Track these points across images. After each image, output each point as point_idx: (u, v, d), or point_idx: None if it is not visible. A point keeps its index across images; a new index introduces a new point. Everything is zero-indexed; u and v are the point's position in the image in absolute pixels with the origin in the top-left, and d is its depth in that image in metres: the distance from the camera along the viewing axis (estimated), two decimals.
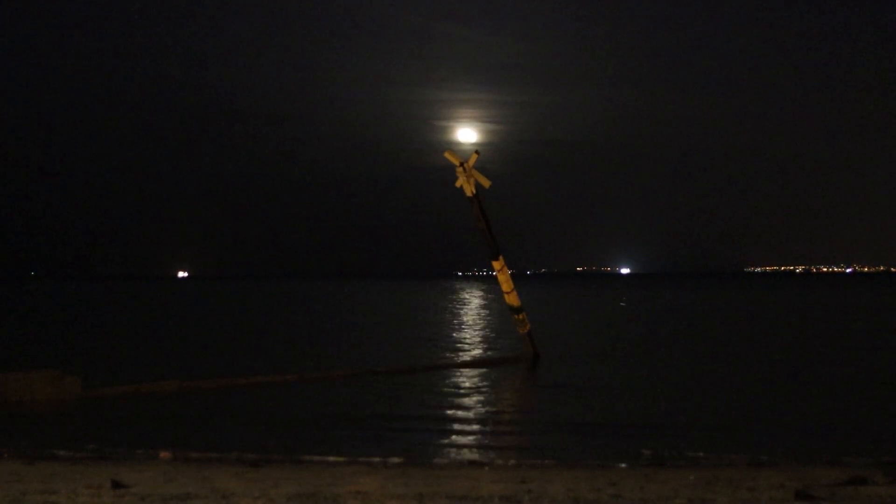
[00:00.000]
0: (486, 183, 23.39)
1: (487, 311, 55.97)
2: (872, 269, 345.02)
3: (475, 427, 14.86)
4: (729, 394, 18.32)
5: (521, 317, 24.25)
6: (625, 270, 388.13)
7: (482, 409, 16.67)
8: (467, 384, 20.16)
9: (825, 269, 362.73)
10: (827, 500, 8.61)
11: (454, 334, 36.39)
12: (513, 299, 24.10)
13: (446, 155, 23.64)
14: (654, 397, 17.97)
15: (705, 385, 19.77)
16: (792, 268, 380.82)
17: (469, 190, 23.39)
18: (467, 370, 22.92)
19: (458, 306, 65.34)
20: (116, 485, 9.45)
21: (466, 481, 9.85)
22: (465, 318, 48.77)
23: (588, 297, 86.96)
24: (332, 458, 11.99)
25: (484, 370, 22.89)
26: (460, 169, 23.31)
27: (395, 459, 11.86)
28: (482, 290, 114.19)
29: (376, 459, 11.83)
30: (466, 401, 17.64)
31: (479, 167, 23.53)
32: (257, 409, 16.79)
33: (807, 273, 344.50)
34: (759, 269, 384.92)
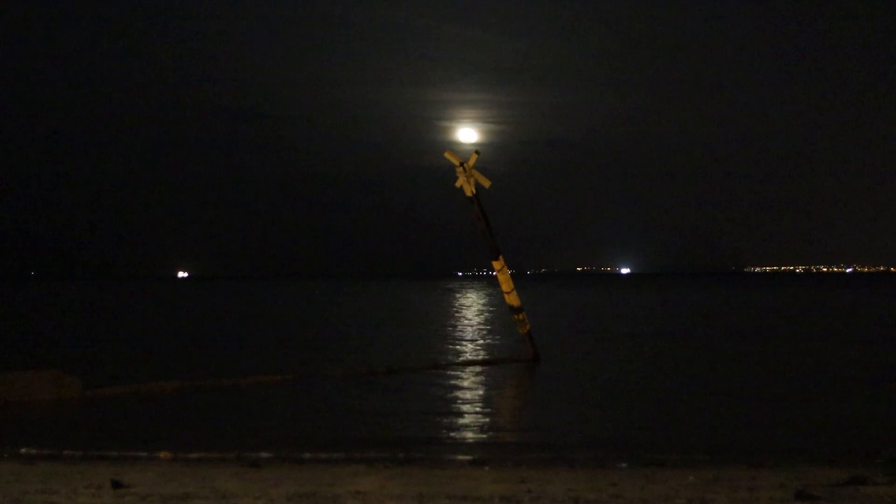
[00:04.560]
0: (486, 183, 23.40)
1: (487, 311, 55.98)
2: (872, 269, 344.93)
3: (475, 427, 14.86)
4: (729, 394, 18.32)
5: (521, 317, 24.24)
6: (625, 270, 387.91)
7: (482, 409, 16.67)
8: (467, 384, 20.17)
9: (825, 269, 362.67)
10: (827, 500, 8.61)
11: (454, 334, 36.40)
12: (513, 299, 24.10)
13: (446, 155, 23.65)
14: (654, 397, 17.97)
15: (705, 385, 19.77)
16: (792, 268, 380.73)
17: (469, 190, 23.39)
18: (467, 370, 22.93)
19: (458, 306, 65.35)
20: (116, 485, 9.45)
21: (466, 481, 9.85)
22: (465, 318, 48.78)
23: (588, 298, 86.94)
24: (332, 458, 11.99)
25: (484, 370, 22.90)
26: (460, 169, 23.31)
27: (395, 459, 11.86)
28: (482, 290, 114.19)
29: (376, 459, 11.83)
30: (466, 401, 17.64)
31: (479, 167, 23.54)
32: (257, 408, 16.80)
33: (807, 273, 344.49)
34: (759, 269, 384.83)
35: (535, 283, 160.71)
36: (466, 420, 15.49)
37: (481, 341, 32.58)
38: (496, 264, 24.15)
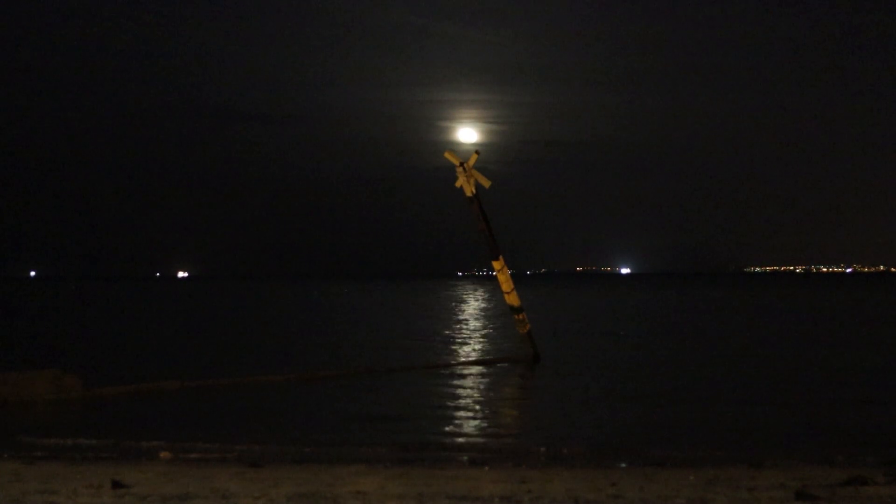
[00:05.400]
0: (486, 183, 23.39)
1: (487, 312, 55.97)
2: (872, 269, 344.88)
3: (475, 427, 14.86)
4: (729, 394, 18.32)
5: (521, 317, 24.24)
6: (625, 270, 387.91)
7: (482, 410, 16.67)
8: (467, 384, 20.16)
9: (825, 269, 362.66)
10: (827, 500, 8.61)
11: (454, 334, 36.38)
12: (513, 299, 24.09)
13: (446, 155, 23.64)
14: (653, 397, 17.97)
15: (705, 385, 19.77)
16: (792, 268, 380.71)
17: (469, 190, 23.39)
18: (467, 370, 22.93)
19: (458, 306, 65.34)
20: (116, 485, 9.45)
21: (466, 481, 9.85)
22: (465, 319, 48.76)
23: (588, 298, 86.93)
24: (332, 458, 11.99)
25: (484, 370, 22.90)
26: (460, 169, 23.31)
27: (395, 459, 11.86)
28: (482, 290, 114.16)
29: (376, 459, 11.82)
30: (466, 401, 17.64)
31: (480, 167, 23.53)
32: (257, 408, 16.79)
33: (807, 273, 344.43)
34: (759, 269, 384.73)
35: (535, 283, 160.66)
36: (466, 420, 15.49)
37: (481, 341, 32.57)
38: (496, 264, 24.15)
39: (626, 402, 17.37)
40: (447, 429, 14.62)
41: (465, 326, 41.58)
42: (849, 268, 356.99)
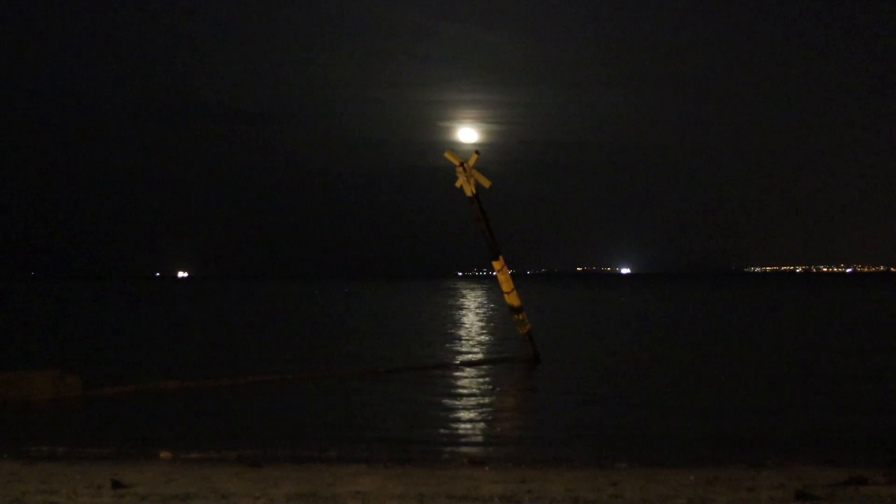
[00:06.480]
0: (485, 183, 23.40)
1: (487, 312, 55.97)
2: (872, 269, 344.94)
3: (475, 427, 14.86)
4: (729, 394, 18.32)
5: (521, 317, 24.24)
6: (625, 270, 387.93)
7: (482, 409, 16.67)
8: (467, 384, 20.17)
9: (825, 269, 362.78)
10: (827, 500, 8.61)
11: (454, 334, 36.39)
12: (513, 299, 24.09)
13: (446, 155, 23.65)
14: (654, 397, 17.97)
15: (705, 385, 19.77)
16: (792, 268, 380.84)
17: (469, 190, 23.40)
18: (467, 370, 22.93)
19: (457, 306, 65.34)
20: (116, 485, 9.46)
21: (466, 481, 9.85)
22: (465, 319, 48.78)
23: (588, 298, 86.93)
24: (332, 458, 11.99)
25: (484, 370, 22.91)
26: (460, 169, 23.32)
27: (396, 459, 11.85)
28: (482, 290, 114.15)
29: (376, 459, 11.82)
30: (466, 401, 17.64)
31: (480, 167, 23.54)
32: (257, 408, 16.80)
33: (807, 273, 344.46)
34: (759, 269, 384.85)
35: (535, 283, 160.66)
36: (466, 420, 15.49)
37: (481, 341, 32.58)
38: (496, 264, 24.15)
39: (626, 401, 17.36)
40: (447, 429, 14.62)
41: (465, 326, 41.60)
42: (849, 268, 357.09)
